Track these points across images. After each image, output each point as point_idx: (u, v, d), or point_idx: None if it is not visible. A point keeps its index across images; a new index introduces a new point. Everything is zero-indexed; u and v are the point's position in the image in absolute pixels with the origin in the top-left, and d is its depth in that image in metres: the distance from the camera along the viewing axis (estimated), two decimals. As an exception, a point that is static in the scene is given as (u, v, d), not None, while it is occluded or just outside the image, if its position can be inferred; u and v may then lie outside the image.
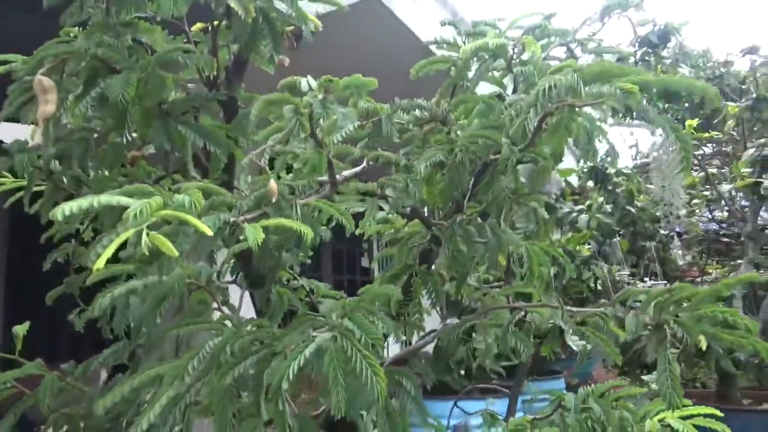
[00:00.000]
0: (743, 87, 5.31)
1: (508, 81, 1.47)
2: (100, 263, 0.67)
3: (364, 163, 1.15)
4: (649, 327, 0.95)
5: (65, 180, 1.41)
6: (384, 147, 1.32)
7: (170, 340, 1.43)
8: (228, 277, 1.73)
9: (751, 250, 4.82)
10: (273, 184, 0.90)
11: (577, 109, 0.88)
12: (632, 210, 5.13)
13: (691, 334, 0.90)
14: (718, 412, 1.46)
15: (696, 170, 6.54)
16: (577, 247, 5.50)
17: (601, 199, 5.69)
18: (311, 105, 0.92)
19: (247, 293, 1.57)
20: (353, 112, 0.99)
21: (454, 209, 1.19)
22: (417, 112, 1.26)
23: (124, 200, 0.71)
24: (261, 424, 1.12)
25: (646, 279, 6.62)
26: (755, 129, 5.43)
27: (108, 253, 0.67)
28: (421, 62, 1.26)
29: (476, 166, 1.16)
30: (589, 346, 1.21)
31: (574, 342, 1.18)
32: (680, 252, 7.43)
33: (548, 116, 0.90)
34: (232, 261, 1.74)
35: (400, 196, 1.07)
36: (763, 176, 4.74)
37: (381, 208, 2.01)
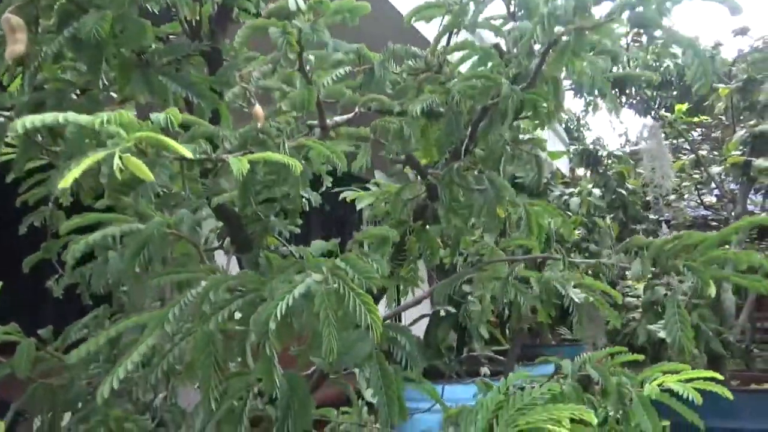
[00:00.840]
0: (733, 68, 5.30)
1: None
2: (67, 182, 0.61)
3: (356, 109, 1.09)
4: (656, 273, 0.90)
5: (40, 136, 1.34)
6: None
7: (153, 302, 1.37)
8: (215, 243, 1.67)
9: (741, 231, 4.82)
10: (258, 108, 0.84)
11: (586, 33, 0.83)
12: (623, 192, 5.12)
13: (703, 278, 0.86)
14: (718, 375, 1.42)
15: (685, 154, 6.55)
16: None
17: (590, 186, 5.68)
18: (300, 29, 0.86)
19: (234, 261, 1.51)
20: (345, 46, 0.93)
21: (451, 157, 1.14)
22: (411, 62, 1.20)
23: (94, 120, 0.65)
24: (247, 382, 1.06)
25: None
26: (741, 117, 5.42)
27: (76, 173, 0.61)
28: (414, 8, 1.20)
29: (474, 114, 1.10)
30: (591, 298, 1.17)
31: (575, 295, 1.14)
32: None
33: (552, 47, 0.84)
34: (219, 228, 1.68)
35: (395, 141, 1.01)
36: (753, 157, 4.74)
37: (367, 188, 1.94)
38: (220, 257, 1.57)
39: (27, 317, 1.59)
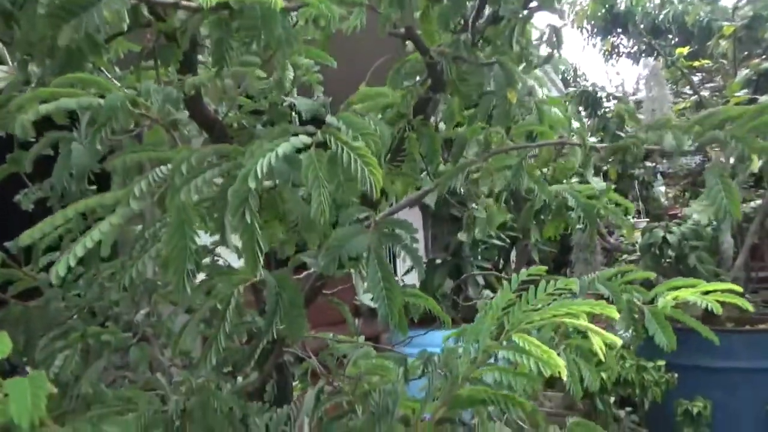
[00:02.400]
0: (739, 5, 5.11)
1: None
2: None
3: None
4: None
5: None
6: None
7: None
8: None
9: (741, 172, 4.74)
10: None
11: None
12: (623, 135, 5.00)
13: (750, 146, 0.75)
14: (737, 287, 1.34)
15: (686, 98, 6.41)
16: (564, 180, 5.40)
17: (588, 134, 5.55)
18: None
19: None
20: None
21: (460, 30, 1.00)
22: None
23: None
24: (231, 282, 0.96)
25: (629, 217, 6.60)
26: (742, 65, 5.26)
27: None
28: None
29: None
30: (611, 187, 1.07)
31: (596, 183, 1.04)
32: (663, 189, 7.42)
33: None
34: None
35: (392, 6, 0.88)
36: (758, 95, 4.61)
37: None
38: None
39: None
